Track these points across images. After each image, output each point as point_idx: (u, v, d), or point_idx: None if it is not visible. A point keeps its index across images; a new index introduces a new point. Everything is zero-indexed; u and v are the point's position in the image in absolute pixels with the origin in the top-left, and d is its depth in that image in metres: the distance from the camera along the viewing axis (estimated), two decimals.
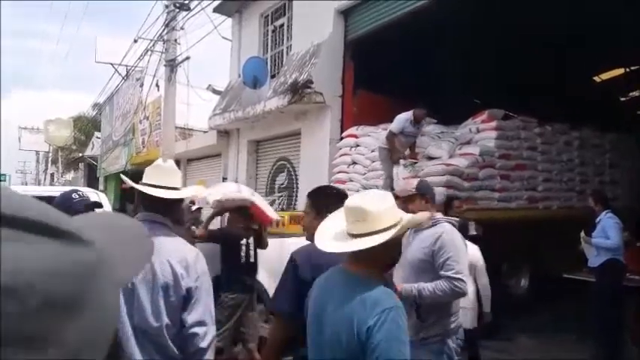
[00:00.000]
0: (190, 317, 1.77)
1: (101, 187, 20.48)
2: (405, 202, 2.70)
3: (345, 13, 8.62)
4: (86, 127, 28.81)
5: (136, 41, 12.49)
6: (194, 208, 6.01)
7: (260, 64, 9.60)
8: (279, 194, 10.28)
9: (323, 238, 1.65)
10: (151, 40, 12.15)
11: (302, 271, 1.95)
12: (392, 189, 6.19)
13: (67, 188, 3.38)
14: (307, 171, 8.98)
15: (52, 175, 37.95)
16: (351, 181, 7.43)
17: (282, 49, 10.35)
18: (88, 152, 26.74)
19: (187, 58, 11.17)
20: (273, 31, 10.68)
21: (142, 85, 16.06)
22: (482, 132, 6.64)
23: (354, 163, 7.61)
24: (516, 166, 6.73)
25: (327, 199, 2.12)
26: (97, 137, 25.48)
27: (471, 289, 4.28)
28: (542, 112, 7.47)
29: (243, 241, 4.55)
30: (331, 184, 3.10)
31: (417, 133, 6.42)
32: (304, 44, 9.08)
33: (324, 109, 8.58)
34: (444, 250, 2.58)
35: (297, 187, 9.53)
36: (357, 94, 8.66)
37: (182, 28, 10.79)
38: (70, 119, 30.30)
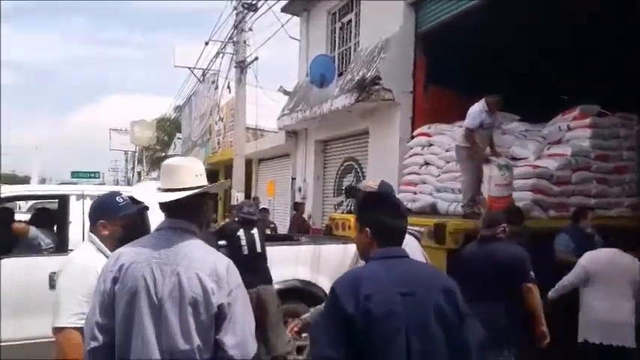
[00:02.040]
0: (228, 339, 1.56)
1: None
2: None
3: (416, 5, 8.11)
4: (168, 128, 30.42)
5: (207, 43, 12.83)
6: (260, 207, 5.90)
7: (327, 61, 9.37)
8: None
9: None
10: (222, 42, 12.40)
11: (345, 305, 1.54)
12: (479, 193, 5.55)
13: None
14: (376, 172, 8.56)
15: (139, 173, 40.57)
16: (424, 183, 6.94)
17: (350, 46, 10.03)
18: (171, 152, 28.19)
19: (256, 58, 11.25)
20: (341, 28, 10.40)
21: (216, 88, 16.56)
22: (573, 130, 5.92)
23: (427, 163, 7.09)
24: (615, 168, 5.93)
25: (376, 211, 1.75)
26: (178, 138, 26.80)
27: (630, 304, 3.72)
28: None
29: (240, 233, 4.46)
30: (383, 191, 2.73)
31: (493, 124, 5.67)
32: (373, 40, 8.69)
33: (394, 106, 8.14)
34: None
35: None
36: (428, 91, 8.11)
37: (250, 29, 10.86)
38: (153, 121, 32.12)
